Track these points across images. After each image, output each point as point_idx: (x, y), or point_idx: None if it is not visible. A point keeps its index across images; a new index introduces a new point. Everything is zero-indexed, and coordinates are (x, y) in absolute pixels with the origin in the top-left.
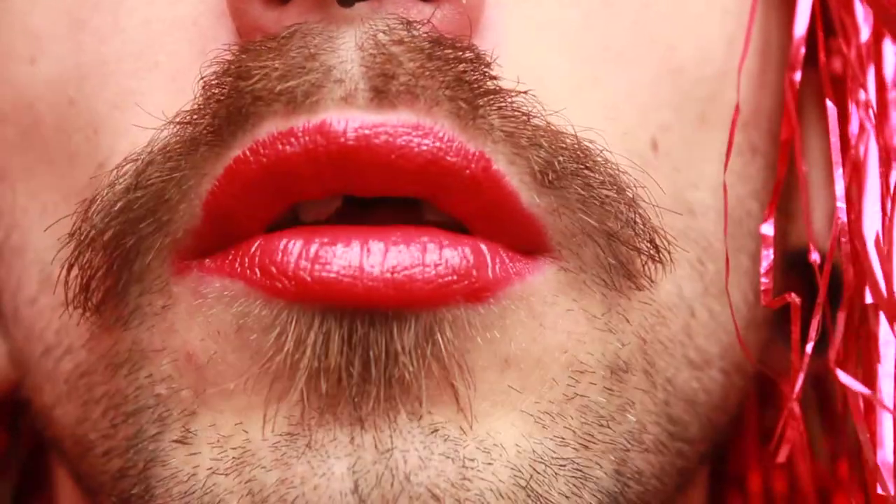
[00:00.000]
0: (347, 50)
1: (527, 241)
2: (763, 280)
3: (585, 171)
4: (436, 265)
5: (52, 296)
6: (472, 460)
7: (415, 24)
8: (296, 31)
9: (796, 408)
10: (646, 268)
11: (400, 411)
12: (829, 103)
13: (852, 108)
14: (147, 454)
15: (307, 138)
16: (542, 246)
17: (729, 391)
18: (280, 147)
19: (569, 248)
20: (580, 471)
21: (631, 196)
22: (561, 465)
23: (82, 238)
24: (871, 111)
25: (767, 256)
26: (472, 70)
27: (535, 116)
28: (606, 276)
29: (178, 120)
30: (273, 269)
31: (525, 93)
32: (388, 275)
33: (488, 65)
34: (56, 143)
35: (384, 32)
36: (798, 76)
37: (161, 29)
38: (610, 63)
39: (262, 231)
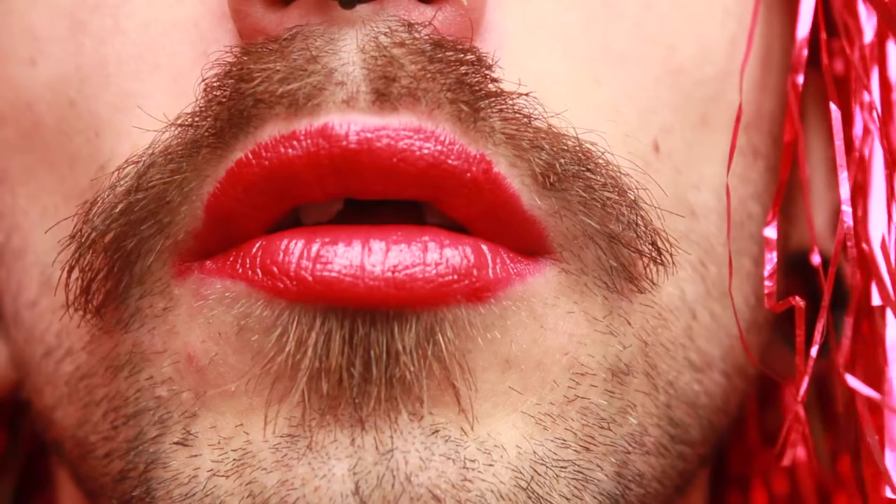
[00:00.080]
0: (349, 52)
1: (528, 243)
2: (766, 283)
3: (587, 174)
4: (436, 264)
5: (53, 298)
6: (473, 461)
7: (416, 27)
8: (297, 34)
9: (801, 411)
10: (647, 270)
11: (401, 412)
12: (833, 106)
13: (856, 109)
14: (148, 456)
15: (309, 141)
16: (543, 248)
17: (730, 393)
18: (282, 150)
19: (570, 250)
20: (581, 473)
21: (632, 198)
22: (562, 467)
23: (83, 240)
24: (875, 113)
25: (771, 259)
26: (473, 72)
27: (536, 119)
28: (608, 279)
29: (179, 122)
30: (275, 270)
31: (526, 95)
32: (389, 274)
33: (489, 67)
34: (56, 144)
35: (386, 35)
36: (801, 78)
37: (161, 31)
38: (611, 64)
39: (263, 233)
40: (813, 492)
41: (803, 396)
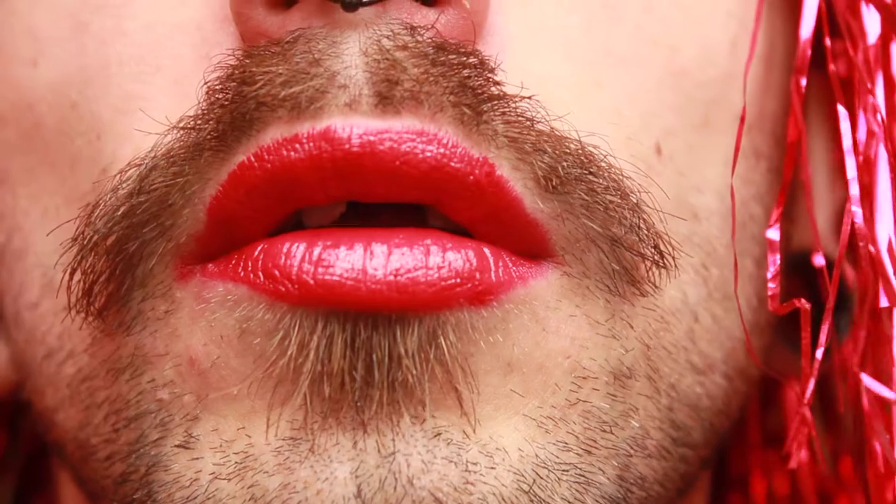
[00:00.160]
0: (351, 55)
1: (530, 246)
2: (770, 285)
3: (589, 177)
4: (439, 268)
5: (55, 300)
6: (475, 464)
7: (419, 30)
8: (300, 37)
9: (808, 413)
10: (650, 273)
11: (403, 415)
12: (840, 107)
13: (860, 111)
14: (149, 459)
15: (312, 145)
16: (545, 251)
17: (731, 396)
18: (285, 153)
19: (572, 253)
20: (583, 476)
21: (635, 201)
22: (564, 470)
23: (85, 243)
24: (879, 115)
25: (774, 261)
26: (475, 76)
27: (538, 122)
28: (610, 282)
29: (181, 125)
30: (276, 273)
31: (529, 98)
32: (392, 277)
33: (492, 70)
34: (58, 145)
35: (388, 38)
36: (804, 80)
37: (164, 33)
38: (612, 67)
39: (265, 236)
40: (814, 493)
41: (809, 398)
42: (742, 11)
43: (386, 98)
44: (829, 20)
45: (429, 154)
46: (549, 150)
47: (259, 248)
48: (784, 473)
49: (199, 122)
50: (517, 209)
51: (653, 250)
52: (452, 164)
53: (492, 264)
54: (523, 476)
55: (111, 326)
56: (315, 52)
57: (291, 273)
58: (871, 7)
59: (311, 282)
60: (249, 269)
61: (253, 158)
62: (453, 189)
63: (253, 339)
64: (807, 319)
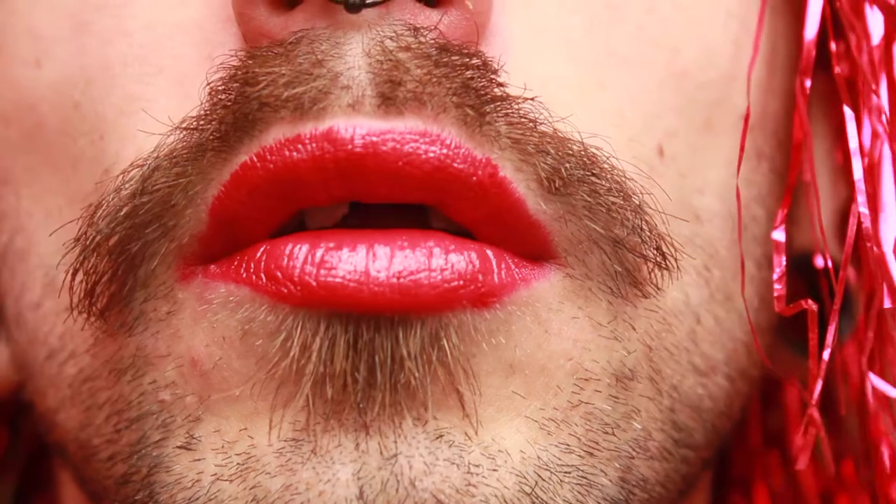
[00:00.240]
0: (354, 56)
1: (533, 248)
2: (776, 287)
3: (592, 178)
4: (442, 270)
5: (57, 300)
6: (477, 466)
7: (422, 31)
8: (303, 37)
9: (816, 414)
10: (652, 275)
11: (405, 417)
12: (846, 108)
13: (864, 112)
14: (151, 460)
15: (314, 145)
16: (548, 252)
17: (733, 397)
18: (287, 153)
19: (575, 254)
20: (585, 478)
21: (637, 203)
22: (566, 472)
23: (88, 243)
24: (884, 116)
25: (780, 263)
26: (479, 77)
27: (541, 123)
28: (612, 284)
29: (184, 126)
30: (278, 275)
31: (532, 99)
32: (395, 279)
33: (495, 71)
34: (60, 146)
35: (391, 39)
36: (808, 81)
37: (166, 33)
38: (614, 68)
39: (268, 237)
40: (816, 493)
41: (817, 399)
42: (743, 12)
43: (389, 99)
44: (832, 21)
45: (432, 155)
46: (552, 151)
47: (261, 250)
48: (785, 474)
49: (201, 122)
50: (520, 210)
51: (655, 252)
52: (455, 164)
53: (494, 266)
54: (525, 478)
55: (113, 327)
56: (318, 52)
57: (294, 275)
58: (875, 8)
59: (314, 283)
60: (252, 270)
61: (255, 158)
62: (456, 190)
63: (255, 340)
64: (814, 320)
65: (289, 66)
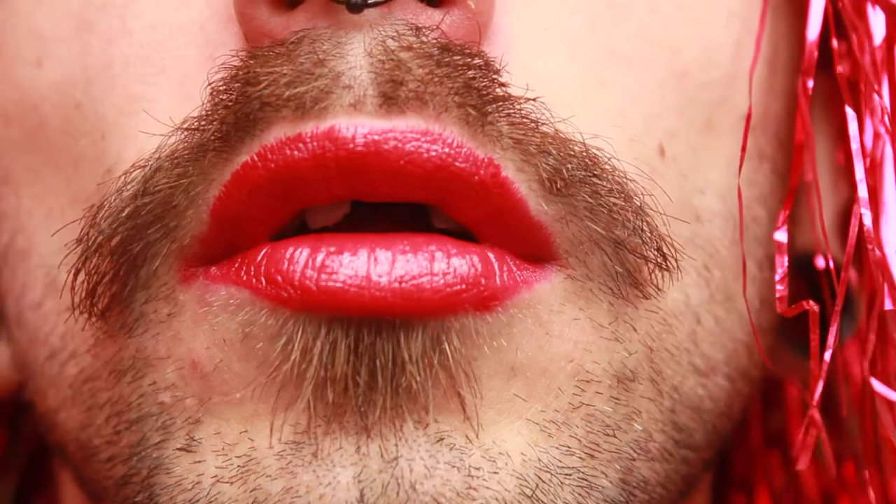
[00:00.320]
0: (356, 56)
1: (534, 249)
2: (778, 287)
3: (593, 179)
4: (444, 274)
5: (58, 300)
6: (478, 469)
7: (424, 30)
8: (304, 37)
9: (817, 415)
10: (653, 276)
11: (406, 420)
12: (848, 109)
13: (866, 113)
14: (151, 462)
15: (315, 144)
16: (549, 254)
17: (734, 397)
18: (288, 152)
19: (576, 255)
20: (585, 480)
21: (638, 204)
22: (566, 475)
23: (90, 244)
24: (886, 116)
25: (782, 263)
26: (481, 77)
27: (543, 124)
28: (613, 285)
29: (185, 126)
30: (279, 278)
31: (534, 100)
32: (396, 284)
33: (497, 72)
34: (62, 145)
35: (393, 38)
36: (810, 81)
37: (168, 33)
38: (616, 68)
39: (269, 237)
40: (817, 494)
41: (818, 400)
42: (745, 12)
43: (390, 98)
44: (834, 21)
45: (433, 153)
46: (554, 152)
47: (262, 253)
48: (786, 475)
49: (202, 123)
50: (522, 211)
51: (656, 253)
52: (457, 163)
53: (496, 269)
54: (526, 480)
55: (113, 328)
56: (320, 52)
57: (294, 279)
58: (877, 8)
59: (314, 288)
60: (252, 273)
61: (256, 158)
62: (458, 189)
63: (256, 343)
64: (815, 321)
65: (290, 65)
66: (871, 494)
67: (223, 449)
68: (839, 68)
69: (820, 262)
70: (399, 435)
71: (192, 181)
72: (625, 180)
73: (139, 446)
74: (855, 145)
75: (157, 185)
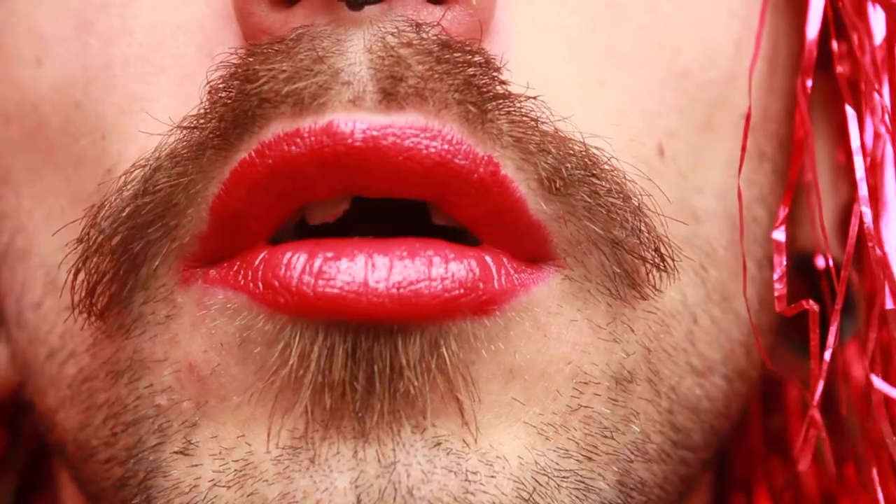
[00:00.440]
0: (356, 52)
1: (532, 249)
2: (777, 286)
3: (592, 179)
4: (442, 279)
5: (58, 299)
6: (475, 473)
7: (424, 27)
8: (303, 34)
9: (817, 415)
10: (650, 276)
11: (404, 425)
12: (848, 108)
13: (867, 112)
14: (147, 464)
15: (313, 139)
16: (547, 254)
17: (731, 397)
18: (286, 148)
19: (574, 255)
20: (583, 482)
21: (637, 204)
22: (564, 477)
23: (90, 243)
24: (886, 116)
25: (781, 263)
26: (481, 74)
27: (543, 122)
28: (611, 285)
29: (184, 125)
30: (276, 284)
31: (534, 98)
32: (394, 290)
33: (497, 69)
34: (62, 145)
35: (393, 35)
36: (810, 81)
37: (167, 32)
38: (616, 67)
39: (269, 236)
40: (817, 495)
41: (818, 400)
42: (745, 12)
43: (390, 94)
44: (834, 21)
45: (433, 150)
46: (553, 151)
47: (260, 257)
48: (786, 475)
49: (201, 121)
50: (520, 210)
51: (653, 253)
52: (457, 160)
53: (494, 273)
54: (523, 484)
55: (112, 328)
56: (319, 49)
57: (291, 285)
58: (877, 7)
59: (311, 294)
60: (249, 278)
61: (254, 154)
62: (457, 186)
63: (253, 347)
64: (815, 321)
65: (289, 62)
66: (880, 494)
67: (220, 453)
68: (839, 68)
69: (820, 262)
70: (396, 440)
71: (191, 180)
72: (623, 180)
73: (136, 448)
74: (855, 144)
75: (157, 184)
